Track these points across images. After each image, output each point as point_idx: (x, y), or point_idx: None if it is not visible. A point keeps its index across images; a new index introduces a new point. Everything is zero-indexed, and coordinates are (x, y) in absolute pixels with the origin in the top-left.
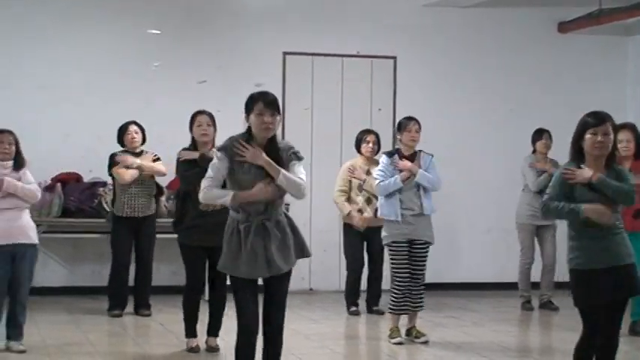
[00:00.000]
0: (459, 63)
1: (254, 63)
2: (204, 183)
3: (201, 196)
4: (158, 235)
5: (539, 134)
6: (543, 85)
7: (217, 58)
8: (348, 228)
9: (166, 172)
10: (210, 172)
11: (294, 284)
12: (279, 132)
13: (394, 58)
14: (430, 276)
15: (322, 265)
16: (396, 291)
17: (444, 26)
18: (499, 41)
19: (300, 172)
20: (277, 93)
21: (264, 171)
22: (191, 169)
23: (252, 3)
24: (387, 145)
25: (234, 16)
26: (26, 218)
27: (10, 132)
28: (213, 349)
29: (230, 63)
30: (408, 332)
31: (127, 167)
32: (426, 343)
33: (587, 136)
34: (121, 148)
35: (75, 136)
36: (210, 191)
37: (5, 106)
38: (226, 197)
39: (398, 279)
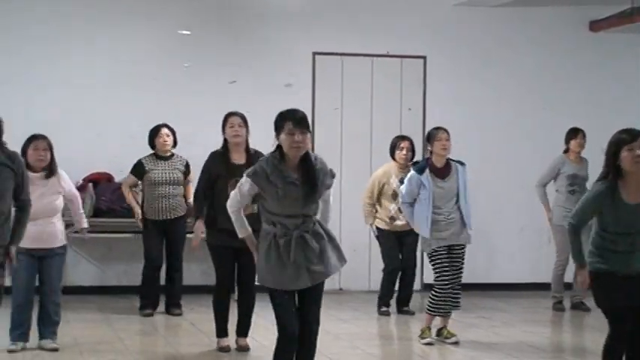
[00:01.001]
0: (489, 62)
1: (284, 63)
2: (233, 199)
3: (229, 208)
4: (189, 235)
5: (574, 133)
6: (575, 84)
7: (247, 58)
8: (381, 230)
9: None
10: (238, 191)
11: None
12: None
13: (424, 57)
14: (470, 276)
15: (352, 265)
16: (437, 294)
17: (474, 25)
18: (530, 40)
19: (330, 198)
20: (307, 93)
21: (300, 193)
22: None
23: (282, 3)
24: (418, 147)
25: (264, 17)
26: (57, 222)
27: (44, 137)
28: (243, 349)
29: (260, 63)
30: (439, 333)
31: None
32: (456, 343)
33: (624, 153)
34: (151, 151)
35: (107, 137)
36: (235, 215)
37: (38, 107)
38: (241, 232)
39: (440, 283)
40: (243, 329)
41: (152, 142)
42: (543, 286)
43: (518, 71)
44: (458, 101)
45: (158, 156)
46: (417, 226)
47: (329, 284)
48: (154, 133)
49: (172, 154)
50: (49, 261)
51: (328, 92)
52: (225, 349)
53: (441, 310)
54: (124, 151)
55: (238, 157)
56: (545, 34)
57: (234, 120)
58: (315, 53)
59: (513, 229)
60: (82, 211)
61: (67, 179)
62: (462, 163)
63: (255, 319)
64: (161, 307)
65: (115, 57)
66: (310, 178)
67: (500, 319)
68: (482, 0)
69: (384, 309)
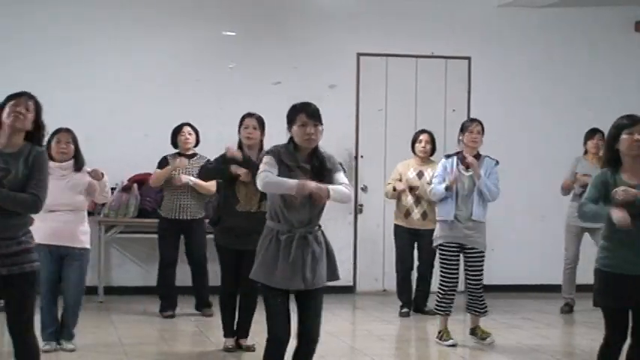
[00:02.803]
0: (534, 63)
1: (328, 64)
2: (263, 170)
3: (262, 181)
4: (209, 236)
5: (592, 134)
6: (621, 86)
7: (292, 59)
8: (397, 227)
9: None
10: (266, 166)
11: (367, 285)
12: (353, 133)
13: (468, 58)
14: (502, 278)
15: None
16: (440, 291)
17: (518, 26)
18: (575, 41)
19: (343, 179)
20: (351, 94)
21: (308, 177)
22: (217, 164)
23: (327, 4)
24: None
25: (308, 18)
26: (80, 222)
27: (68, 130)
28: (248, 349)
29: (304, 64)
30: (473, 332)
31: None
32: (491, 344)
33: (624, 136)
34: (174, 150)
35: (152, 137)
36: (273, 177)
37: (85, 107)
38: (291, 184)
39: (445, 281)
40: (245, 330)
41: (175, 141)
42: (582, 288)
43: (563, 72)
44: (502, 102)
45: (181, 155)
46: (441, 206)
47: (372, 285)
48: (177, 131)
49: (195, 154)
50: (68, 262)
51: (372, 93)
52: (230, 350)
53: (448, 309)
54: (169, 152)
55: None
56: (590, 34)
57: (249, 122)
58: (359, 54)
59: (556, 231)
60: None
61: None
62: (496, 162)
63: (258, 319)
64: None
65: (161, 58)
66: (320, 167)
67: (544, 320)
68: (526, 1)
69: (404, 310)
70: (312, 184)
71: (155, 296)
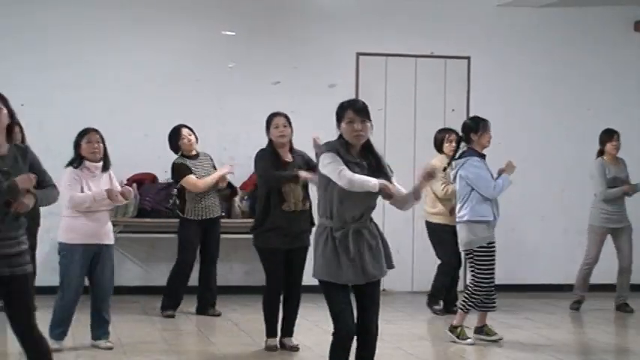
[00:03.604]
0: (534, 63)
1: (328, 64)
2: (340, 168)
3: (346, 180)
4: (232, 236)
5: (609, 135)
6: (620, 86)
7: (291, 59)
8: (437, 226)
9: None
10: (337, 165)
11: None
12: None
13: (468, 58)
14: (505, 277)
15: (395, 265)
16: (483, 291)
17: (518, 26)
18: (574, 41)
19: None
20: (350, 94)
21: (366, 174)
22: (271, 165)
23: (327, 4)
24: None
25: (308, 17)
26: (108, 220)
27: (96, 130)
28: (292, 349)
29: (304, 64)
30: (480, 330)
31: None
32: (498, 341)
33: None
34: (176, 155)
35: (151, 137)
36: (356, 175)
37: (85, 107)
38: (373, 184)
39: (490, 279)
40: (289, 329)
41: (175, 145)
42: (590, 288)
43: (563, 72)
44: (502, 102)
45: (187, 156)
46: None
47: None
48: (176, 135)
49: (197, 153)
50: (102, 262)
51: (372, 93)
52: (273, 349)
53: (491, 306)
54: (168, 152)
55: (285, 156)
56: (589, 34)
57: (278, 120)
58: (359, 54)
59: (556, 230)
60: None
61: (115, 179)
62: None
63: (298, 319)
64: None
65: (161, 58)
66: (375, 162)
67: (545, 320)
68: (526, 0)
69: (437, 307)
70: (391, 185)
71: (155, 295)
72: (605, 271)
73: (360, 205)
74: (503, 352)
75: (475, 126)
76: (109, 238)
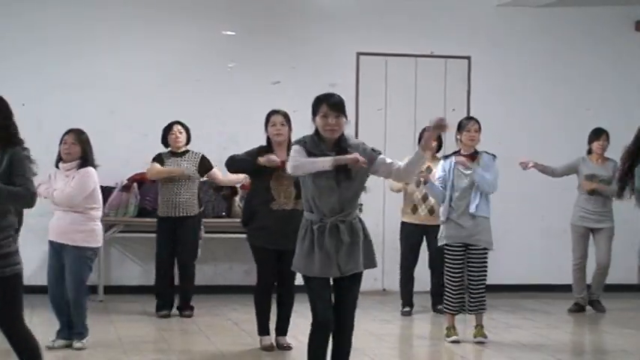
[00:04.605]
0: (534, 63)
1: (328, 64)
2: (292, 156)
3: (290, 166)
4: (232, 235)
5: (597, 135)
6: (620, 85)
7: (291, 58)
8: (404, 224)
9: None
10: (295, 154)
11: (366, 285)
12: (352, 132)
13: (468, 58)
14: (503, 277)
15: (395, 265)
16: (447, 292)
17: (518, 26)
18: (574, 40)
19: (387, 159)
20: (351, 93)
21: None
22: (246, 156)
23: (327, 3)
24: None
25: (308, 17)
26: (76, 220)
27: (75, 131)
28: (285, 348)
29: (304, 64)
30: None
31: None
32: (481, 343)
33: None
34: (166, 150)
35: (152, 137)
36: (300, 159)
37: (85, 107)
38: (324, 161)
39: (449, 280)
40: (283, 328)
41: (165, 139)
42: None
43: (563, 71)
44: (502, 101)
45: (172, 153)
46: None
47: (372, 285)
48: (167, 130)
49: (187, 151)
50: (67, 258)
51: (372, 93)
52: (268, 348)
53: (457, 308)
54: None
55: (281, 155)
56: (589, 34)
57: (276, 118)
58: (359, 53)
59: (554, 230)
60: (67, 193)
61: (84, 180)
62: (494, 156)
63: (297, 318)
64: (201, 308)
65: (160, 58)
66: (345, 153)
67: (543, 320)
68: (526, 0)
69: (406, 309)
70: (346, 156)
71: (154, 295)
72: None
73: (337, 197)
74: (503, 352)
75: (458, 126)
76: (70, 239)
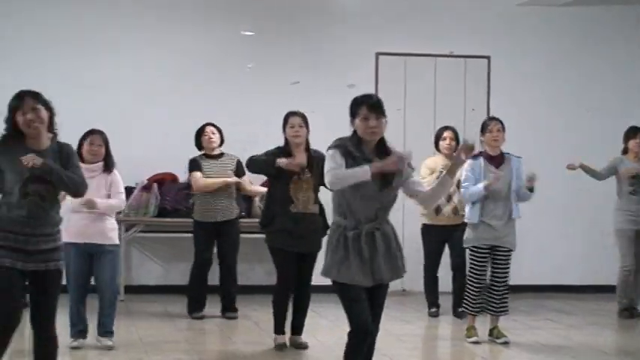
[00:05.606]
0: (554, 62)
1: (347, 64)
2: (330, 168)
3: (329, 178)
4: (252, 235)
5: (634, 133)
6: None
7: (310, 59)
8: (426, 226)
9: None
10: (332, 163)
11: None
12: None
13: (488, 57)
14: (524, 278)
15: (415, 266)
16: (471, 292)
17: (538, 25)
18: (595, 39)
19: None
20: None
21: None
22: (268, 157)
23: (346, 4)
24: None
25: (327, 17)
26: (106, 220)
27: (100, 132)
28: (302, 346)
29: (323, 64)
30: (490, 332)
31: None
32: (505, 344)
33: None
34: (199, 152)
35: (172, 137)
36: (340, 171)
37: (103, 108)
38: (363, 171)
39: (473, 281)
40: (299, 328)
41: (198, 142)
42: (606, 289)
43: (584, 71)
44: (522, 101)
45: (208, 155)
46: (470, 210)
47: (392, 285)
48: (200, 132)
49: (222, 153)
50: (100, 259)
51: (391, 93)
52: (282, 346)
53: (478, 309)
54: (188, 152)
55: (299, 157)
56: (612, 32)
57: (294, 120)
58: (378, 54)
59: (577, 231)
60: (111, 205)
61: (118, 183)
62: (519, 158)
63: (315, 318)
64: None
65: (179, 58)
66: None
67: (565, 321)
68: None
69: (433, 310)
70: (385, 161)
71: (176, 295)
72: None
73: (373, 203)
74: (523, 353)
75: (481, 127)
76: (107, 238)
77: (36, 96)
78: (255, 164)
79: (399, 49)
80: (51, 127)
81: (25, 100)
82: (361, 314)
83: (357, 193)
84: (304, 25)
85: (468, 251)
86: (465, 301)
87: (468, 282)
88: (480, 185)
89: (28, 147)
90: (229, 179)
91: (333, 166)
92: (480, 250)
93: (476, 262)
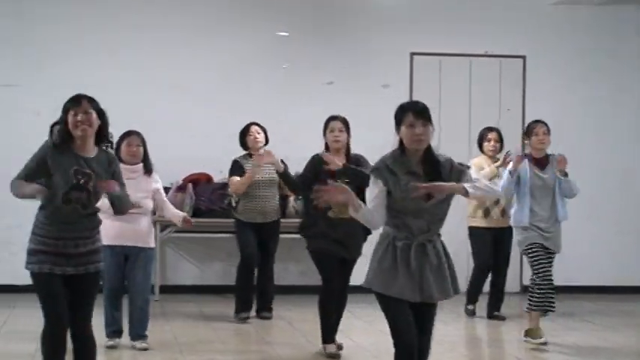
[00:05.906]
0: (590, 62)
1: (381, 64)
2: (367, 199)
3: (365, 220)
4: (287, 235)
5: None
6: None
7: (345, 59)
8: (474, 228)
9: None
10: (368, 194)
11: None
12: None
13: (523, 57)
14: (564, 278)
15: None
16: (538, 290)
17: (574, 24)
18: (631, 39)
19: (470, 180)
20: (404, 94)
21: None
22: (312, 171)
23: (380, 4)
24: (511, 144)
25: (361, 17)
26: (143, 221)
27: (137, 133)
28: (337, 348)
29: (358, 64)
30: (526, 333)
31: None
32: (545, 344)
33: None
34: (244, 152)
35: (207, 137)
36: (366, 213)
37: (139, 108)
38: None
39: (543, 279)
40: (335, 330)
41: (243, 142)
42: None
43: (619, 70)
44: (558, 101)
45: (252, 155)
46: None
47: None
48: (244, 132)
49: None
50: (133, 260)
51: (426, 93)
52: (334, 356)
53: (542, 308)
54: (223, 152)
55: (335, 163)
56: None
57: (334, 125)
58: (412, 54)
59: (614, 231)
60: (173, 209)
61: (159, 182)
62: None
63: (350, 318)
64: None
65: (214, 58)
66: (434, 170)
67: (604, 323)
68: None
69: (470, 307)
70: (423, 185)
71: (210, 295)
72: None
73: (426, 217)
74: (560, 355)
75: (526, 130)
76: (142, 241)
77: (92, 101)
78: (301, 181)
79: (434, 49)
80: (104, 137)
81: (80, 102)
82: (406, 330)
83: (404, 207)
84: (339, 26)
85: (526, 253)
86: (530, 299)
87: (538, 280)
88: (505, 172)
89: (77, 154)
90: (251, 172)
91: (368, 200)
92: (539, 247)
93: (540, 259)
